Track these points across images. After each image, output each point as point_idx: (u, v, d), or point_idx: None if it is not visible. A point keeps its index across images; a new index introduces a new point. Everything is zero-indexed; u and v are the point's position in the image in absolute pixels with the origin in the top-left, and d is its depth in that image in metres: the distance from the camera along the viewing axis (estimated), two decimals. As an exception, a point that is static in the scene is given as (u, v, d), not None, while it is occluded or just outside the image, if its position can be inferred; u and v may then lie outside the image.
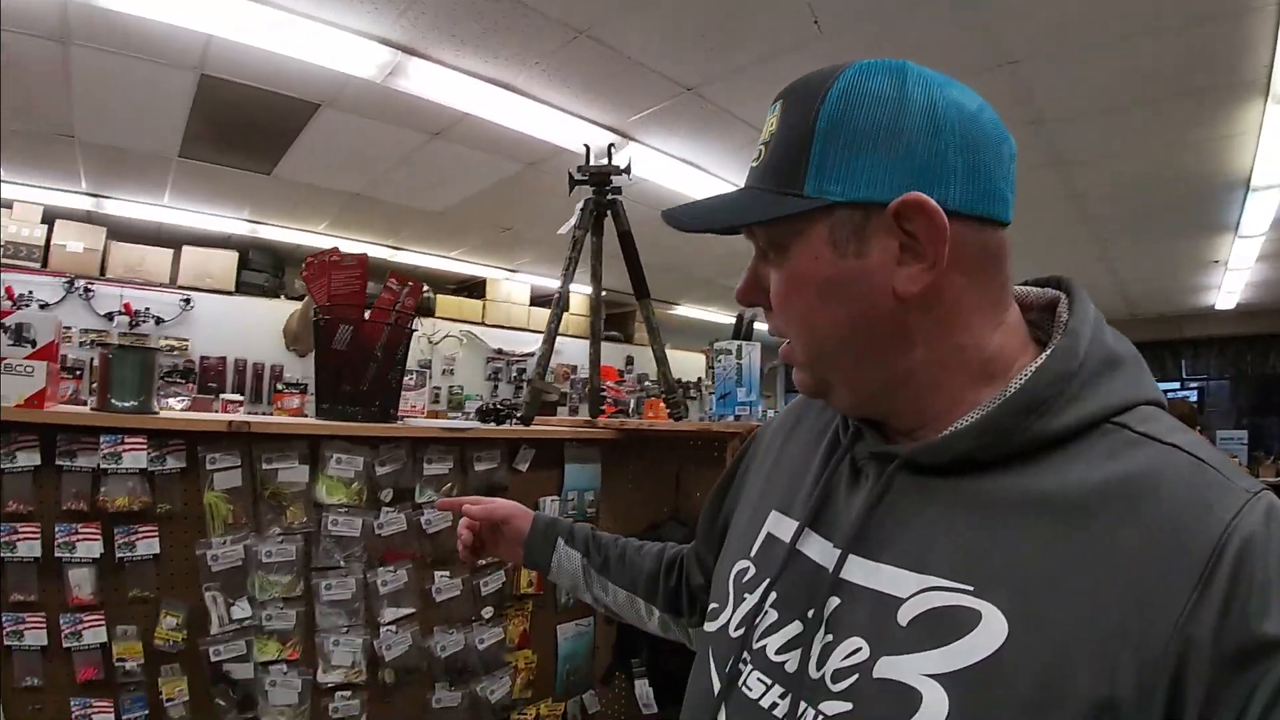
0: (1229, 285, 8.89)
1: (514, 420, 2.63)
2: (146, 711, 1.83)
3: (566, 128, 4.73)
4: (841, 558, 0.78)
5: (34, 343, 1.81)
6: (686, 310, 11.28)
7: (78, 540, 1.76)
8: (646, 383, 10.49)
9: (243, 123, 5.10)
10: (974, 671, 0.64)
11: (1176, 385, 11.70)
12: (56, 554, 1.74)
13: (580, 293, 9.35)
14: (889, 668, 0.69)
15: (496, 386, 9.41)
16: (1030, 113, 4.42)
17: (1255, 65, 3.79)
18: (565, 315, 8.60)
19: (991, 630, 0.64)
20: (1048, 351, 0.75)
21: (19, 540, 1.72)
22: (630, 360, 10.77)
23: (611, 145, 2.95)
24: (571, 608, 2.66)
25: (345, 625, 2.07)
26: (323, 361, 2.24)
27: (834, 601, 0.77)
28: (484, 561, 2.35)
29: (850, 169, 0.73)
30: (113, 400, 1.88)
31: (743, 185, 0.84)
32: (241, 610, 1.93)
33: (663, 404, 2.89)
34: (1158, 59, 3.75)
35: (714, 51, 3.87)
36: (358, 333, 2.21)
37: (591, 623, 2.72)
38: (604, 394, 3.72)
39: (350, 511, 2.08)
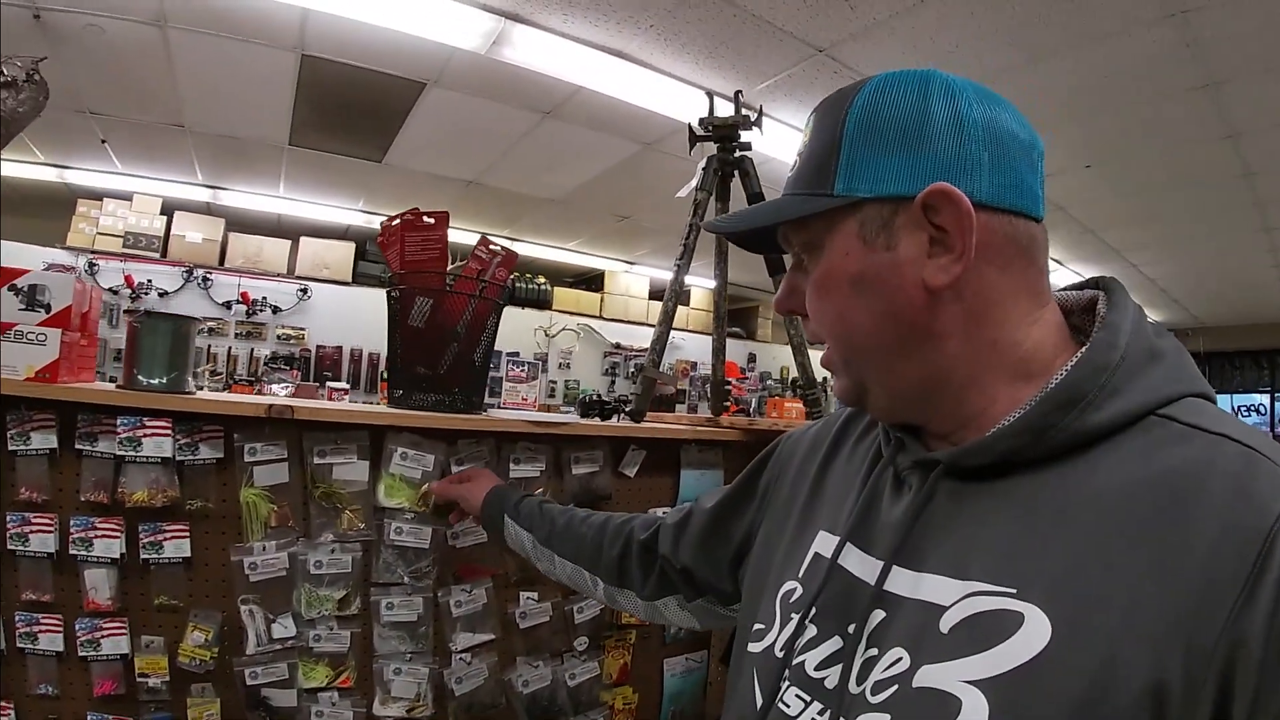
0: None
1: (622, 416, 2.24)
2: (171, 735, 1.55)
3: (685, 100, 4.37)
4: (885, 570, 0.78)
5: (49, 308, 1.53)
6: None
7: (95, 536, 1.49)
8: (769, 381, 10.27)
9: (349, 106, 5.00)
10: (1015, 675, 0.63)
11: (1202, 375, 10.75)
12: (71, 551, 1.48)
13: (700, 286, 9.14)
14: (929, 676, 0.68)
15: (614, 382, 9.35)
16: (1204, 73, 3.88)
17: None
18: (686, 311, 8.43)
19: (1034, 633, 0.64)
20: (1086, 346, 0.74)
21: (31, 532, 1.46)
22: (752, 357, 10.71)
23: (739, 93, 2.54)
24: (682, 639, 2.27)
25: (409, 651, 1.73)
26: (396, 340, 1.90)
27: (878, 615, 0.77)
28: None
29: (877, 167, 0.76)
30: (138, 376, 1.58)
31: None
32: (284, 628, 1.61)
33: (801, 402, 2.49)
34: None
35: (848, 4, 3.45)
36: (437, 307, 1.87)
37: (704, 658, 2.32)
38: (728, 387, 3.32)
39: (419, 518, 1.74)
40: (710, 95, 2.60)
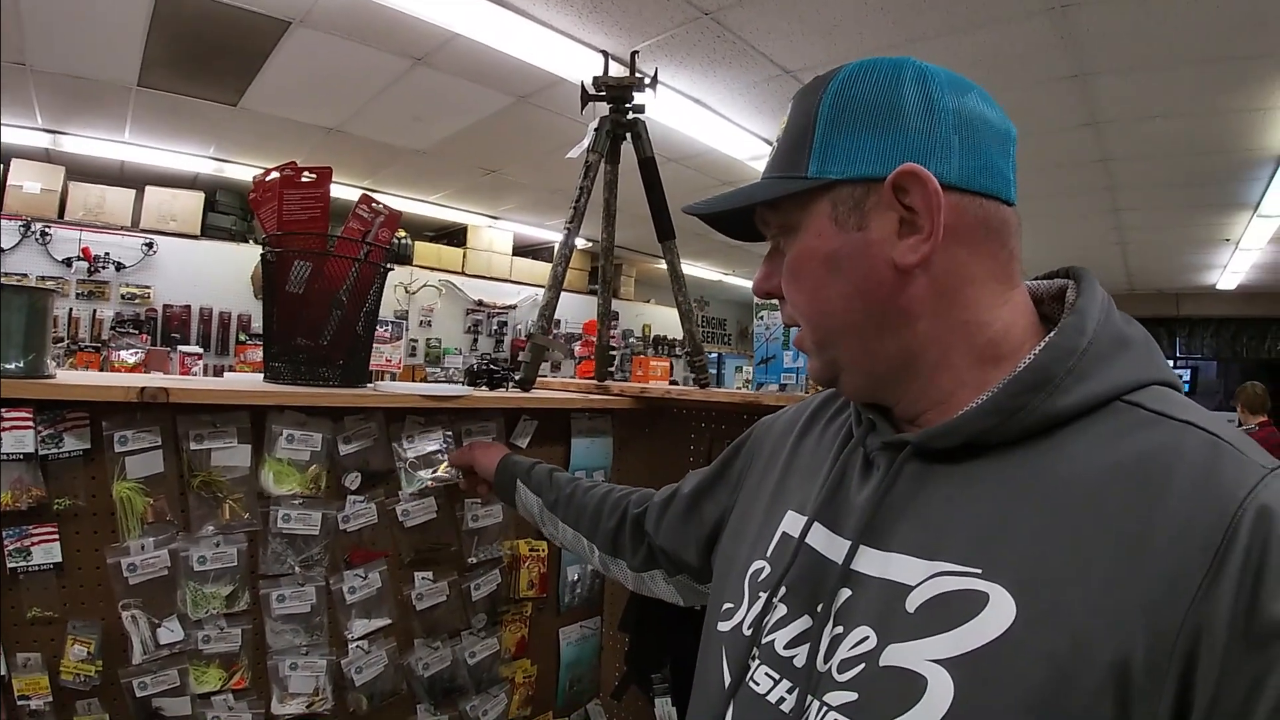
0: (1235, 265, 8.91)
1: (511, 384, 2.18)
2: (61, 760, 1.40)
3: (565, 54, 4.24)
4: (852, 549, 0.79)
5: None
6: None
7: (-48, 545, 1.32)
8: (632, 339, 10.31)
9: (206, 44, 4.62)
10: (980, 654, 0.64)
11: (1169, 364, 11.61)
12: None
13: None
14: (896, 655, 0.70)
15: (476, 340, 9.24)
16: (1074, 64, 4.08)
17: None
18: (546, 267, 8.40)
19: (999, 612, 0.65)
20: (1055, 330, 0.76)
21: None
22: (615, 315, 10.54)
23: (635, 53, 2.47)
24: (575, 607, 2.26)
25: (304, 644, 1.65)
26: (273, 309, 1.78)
27: (844, 593, 0.78)
28: (474, 560, 1.94)
29: (849, 150, 0.78)
30: (-10, 361, 1.40)
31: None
32: (171, 632, 1.49)
33: (668, 361, 2.47)
34: (1218, 14, 3.44)
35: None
36: (318, 272, 1.75)
37: (597, 624, 2.33)
38: (613, 353, 3.28)
39: (306, 503, 1.64)
40: (606, 55, 2.50)
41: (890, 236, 0.77)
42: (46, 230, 6.31)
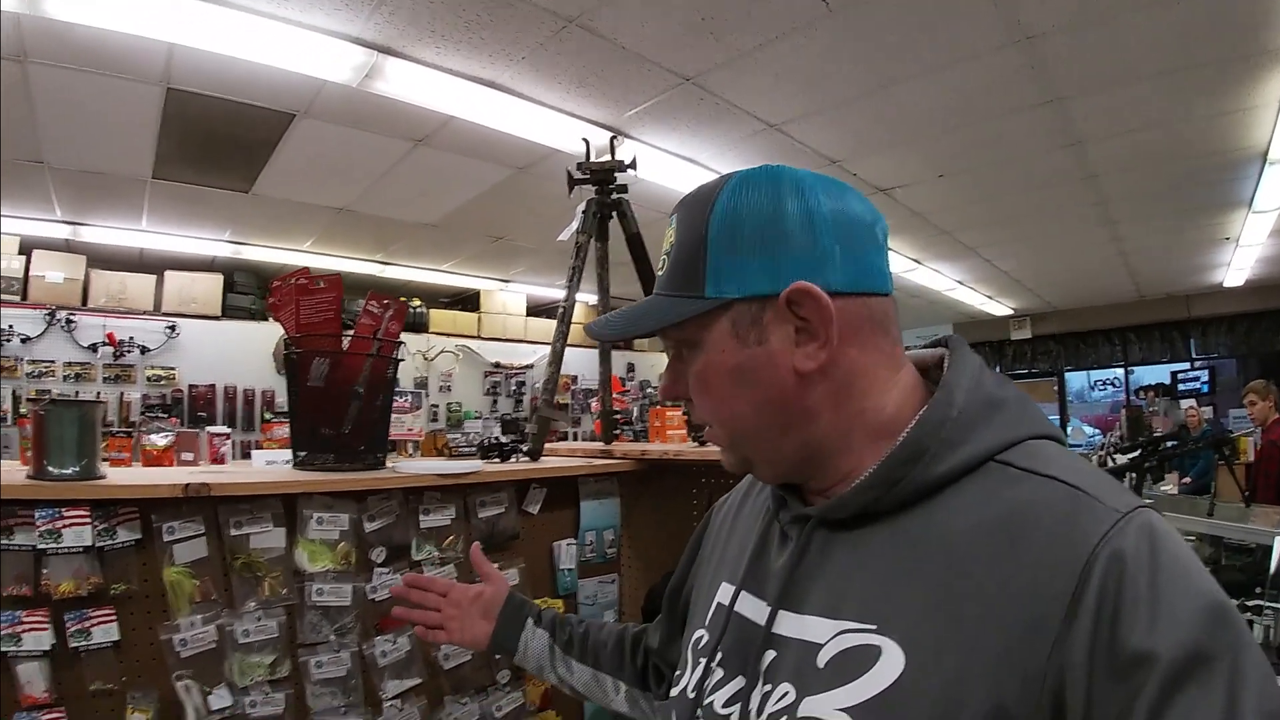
0: (1239, 262, 8.86)
1: (520, 455, 2.34)
2: (125, 819, 1.56)
3: (558, 127, 4.46)
4: (772, 614, 0.87)
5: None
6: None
7: (24, 631, 1.49)
8: (649, 389, 10.41)
9: (215, 138, 4.86)
10: (876, 701, 0.72)
11: (1186, 365, 11.65)
12: (2, 648, 1.47)
13: (579, 300, 9.17)
14: (810, 706, 0.77)
15: (496, 401, 9.31)
16: (1047, 90, 4.22)
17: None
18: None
19: (891, 662, 0.72)
20: (927, 405, 0.83)
21: (-43, 634, 1.45)
22: (631, 367, 10.81)
23: (614, 138, 2.67)
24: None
25: (342, 705, 1.80)
26: (297, 403, 1.96)
27: (770, 654, 0.86)
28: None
29: (742, 270, 0.83)
30: (49, 467, 1.59)
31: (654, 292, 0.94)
32: (221, 699, 1.65)
33: (681, 410, 2.62)
34: (1181, 26, 3.56)
35: (714, 36, 3.59)
36: (335, 367, 1.93)
37: (618, 674, 2.45)
38: (617, 416, 3.43)
39: (338, 577, 1.80)
40: (586, 141, 2.68)
41: (789, 346, 0.82)
42: (71, 319, 6.52)
